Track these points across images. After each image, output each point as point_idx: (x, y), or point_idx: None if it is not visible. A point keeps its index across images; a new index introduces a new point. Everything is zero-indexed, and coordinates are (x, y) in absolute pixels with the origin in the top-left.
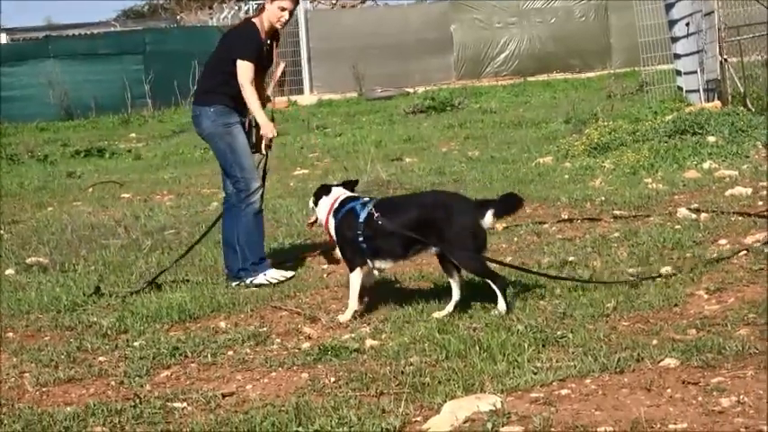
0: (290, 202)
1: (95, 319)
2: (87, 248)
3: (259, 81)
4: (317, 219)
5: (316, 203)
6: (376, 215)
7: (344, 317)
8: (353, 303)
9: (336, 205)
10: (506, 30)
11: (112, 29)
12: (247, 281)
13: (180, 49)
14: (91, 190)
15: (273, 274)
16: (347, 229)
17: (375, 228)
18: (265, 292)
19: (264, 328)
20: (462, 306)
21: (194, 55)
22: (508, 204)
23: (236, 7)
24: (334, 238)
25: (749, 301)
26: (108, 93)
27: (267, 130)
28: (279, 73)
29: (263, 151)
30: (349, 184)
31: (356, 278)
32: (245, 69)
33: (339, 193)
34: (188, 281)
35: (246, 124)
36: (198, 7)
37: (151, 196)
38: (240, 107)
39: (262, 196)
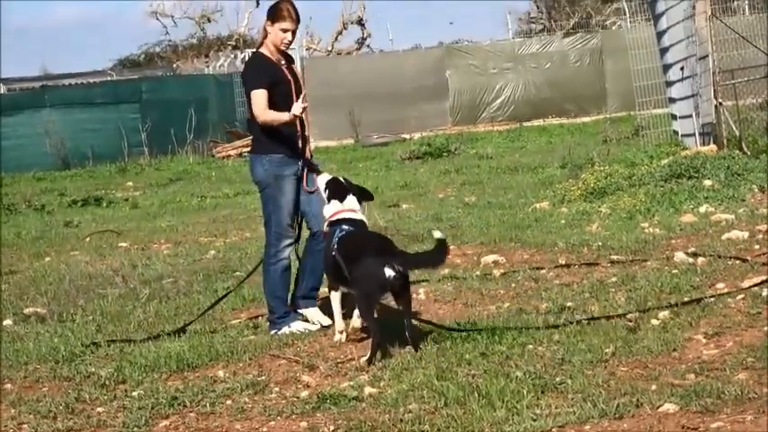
0: None
1: (93, 370)
2: (85, 298)
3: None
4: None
5: (326, 193)
6: (334, 251)
7: (336, 337)
8: (337, 321)
9: (334, 219)
10: (501, 75)
11: (108, 78)
12: (271, 332)
13: (176, 98)
14: (88, 239)
15: (298, 327)
16: (327, 250)
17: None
18: (263, 341)
19: (263, 377)
20: (460, 353)
21: (191, 103)
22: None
23: (232, 55)
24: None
25: (748, 345)
26: (105, 141)
27: (296, 109)
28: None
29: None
30: (362, 195)
31: (334, 298)
32: (255, 99)
33: (345, 207)
34: (186, 330)
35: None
36: (194, 55)
37: (149, 245)
38: (296, 150)
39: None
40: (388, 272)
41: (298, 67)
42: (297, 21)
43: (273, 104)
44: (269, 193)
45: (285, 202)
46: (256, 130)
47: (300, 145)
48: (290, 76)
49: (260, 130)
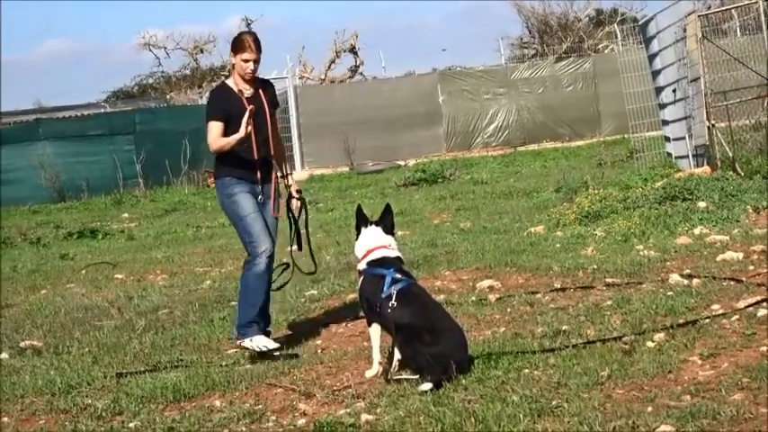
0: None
1: (90, 402)
2: (81, 330)
3: (259, 138)
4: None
5: (356, 228)
6: (392, 306)
7: (373, 371)
8: (375, 353)
9: (370, 258)
10: (495, 100)
11: (102, 110)
12: (235, 341)
13: (170, 128)
14: (84, 271)
15: (259, 342)
16: (366, 288)
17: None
18: (260, 370)
19: (260, 406)
20: (456, 378)
21: (184, 133)
22: None
23: None
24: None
25: (743, 366)
26: (100, 173)
27: (241, 131)
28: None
29: (283, 215)
30: (385, 223)
31: (374, 332)
32: (208, 130)
33: (381, 243)
34: (182, 360)
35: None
36: (187, 86)
37: (144, 276)
38: (252, 174)
39: (271, 260)
40: (450, 370)
41: (277, 91)
42: (258, 51)
43: (230, 134)
44: (230, 213)
45: (246, 211)
46: (215, 155)
47: (259, 170)
48: (248, 105)
49: (216, 158)
